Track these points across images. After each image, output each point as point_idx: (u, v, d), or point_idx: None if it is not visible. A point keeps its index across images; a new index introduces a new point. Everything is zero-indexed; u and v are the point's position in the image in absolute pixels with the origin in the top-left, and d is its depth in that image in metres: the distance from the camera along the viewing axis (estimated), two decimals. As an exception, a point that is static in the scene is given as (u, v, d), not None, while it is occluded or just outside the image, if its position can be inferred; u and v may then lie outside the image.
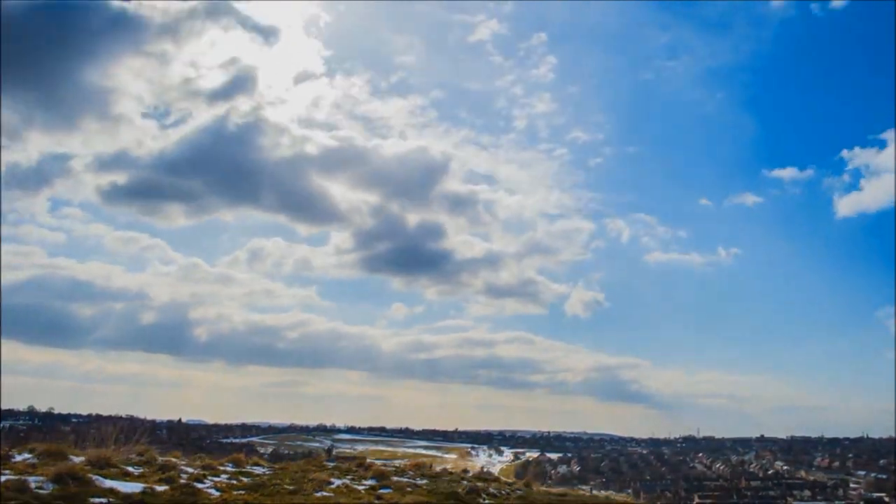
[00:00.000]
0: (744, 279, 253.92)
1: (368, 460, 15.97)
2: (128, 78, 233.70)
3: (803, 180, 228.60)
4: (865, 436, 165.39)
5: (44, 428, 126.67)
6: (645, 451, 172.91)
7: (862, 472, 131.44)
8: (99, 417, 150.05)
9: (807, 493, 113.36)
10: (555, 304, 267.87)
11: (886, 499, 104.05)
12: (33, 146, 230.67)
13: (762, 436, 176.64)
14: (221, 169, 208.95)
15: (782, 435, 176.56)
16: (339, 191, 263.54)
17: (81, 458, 9.48)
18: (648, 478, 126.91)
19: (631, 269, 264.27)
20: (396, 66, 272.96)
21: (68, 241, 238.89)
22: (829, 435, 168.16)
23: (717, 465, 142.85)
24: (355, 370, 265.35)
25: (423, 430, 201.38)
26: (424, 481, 13.22)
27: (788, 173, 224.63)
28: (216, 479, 10.20)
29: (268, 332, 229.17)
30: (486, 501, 11.51)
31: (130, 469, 9.63)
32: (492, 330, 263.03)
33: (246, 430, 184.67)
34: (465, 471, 17.81)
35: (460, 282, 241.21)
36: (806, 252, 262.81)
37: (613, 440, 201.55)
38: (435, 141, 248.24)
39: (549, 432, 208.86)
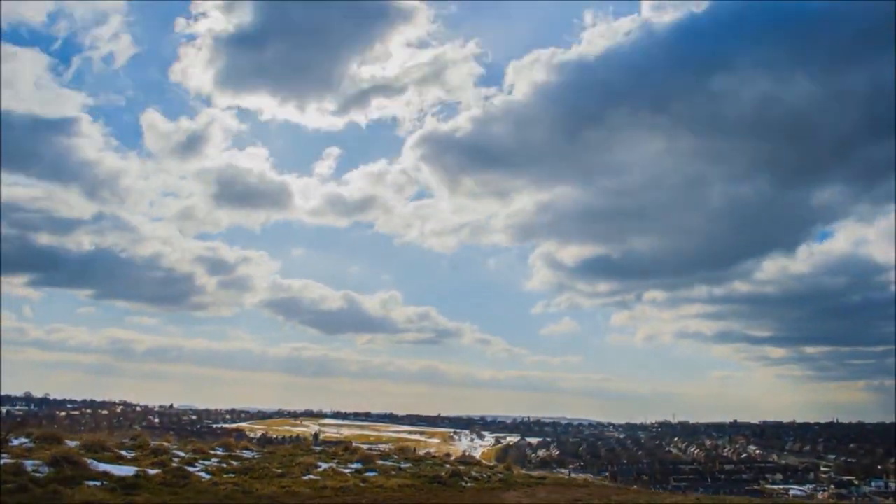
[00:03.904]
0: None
1: (354, 445, 16.34)
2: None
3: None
4: (835, 420, 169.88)
5: (40, 413, 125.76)
6: (622, 436, 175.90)
7: (832, 456, 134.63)
8: (93, 403, 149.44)
9: (779, 476, 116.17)
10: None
11: (856, 481, 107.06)
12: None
13: (735, 421, 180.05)
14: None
15: (755, 420, 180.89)
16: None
17: (76, 443, 9.67)
18: (625, 461, 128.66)
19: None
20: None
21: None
22: (800, 420, 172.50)
23: (692, 450, 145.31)
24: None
25: (407, 415, 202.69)
26: (409, 465, 13.62)
27: None
28: (207, 462, 10.45)
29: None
30: (469, 484, 11.92)
31: (124, 453, 9.83)
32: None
33: (235, 415, 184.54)
34: (448, 455, 18.28)
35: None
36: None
37: (591, 425, 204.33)
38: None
39: (528, 417, 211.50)
